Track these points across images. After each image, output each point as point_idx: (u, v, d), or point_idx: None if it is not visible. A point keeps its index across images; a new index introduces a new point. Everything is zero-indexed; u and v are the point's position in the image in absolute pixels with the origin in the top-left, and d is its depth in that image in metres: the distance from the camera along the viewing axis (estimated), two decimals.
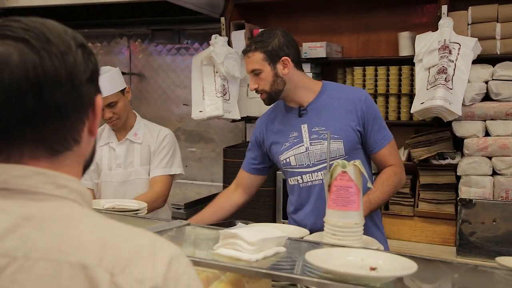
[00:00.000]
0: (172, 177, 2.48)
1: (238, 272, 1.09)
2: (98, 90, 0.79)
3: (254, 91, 1.99)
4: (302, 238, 1.47)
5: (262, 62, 1.93)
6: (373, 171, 2.16)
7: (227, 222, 2.21)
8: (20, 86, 0.69)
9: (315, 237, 1.49)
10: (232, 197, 2.16)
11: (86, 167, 0.82)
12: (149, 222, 1.58)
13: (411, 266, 1.03)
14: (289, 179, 2.04)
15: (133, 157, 2.46)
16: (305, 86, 2.01)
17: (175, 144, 2.52)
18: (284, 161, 2.00)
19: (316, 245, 1.32)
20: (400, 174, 1.98)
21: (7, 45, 0.70)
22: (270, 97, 1.98)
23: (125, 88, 2.42)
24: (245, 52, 1.99)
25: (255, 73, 1.95)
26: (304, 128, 1.97)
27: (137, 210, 1.76)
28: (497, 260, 1.28)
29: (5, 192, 0.71)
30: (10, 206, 0.70)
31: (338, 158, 1.90)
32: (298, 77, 1.99)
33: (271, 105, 2.11)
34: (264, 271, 1.06)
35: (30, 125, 0.70)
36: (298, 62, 2.00)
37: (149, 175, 2.44)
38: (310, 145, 1.95)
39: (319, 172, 1.94)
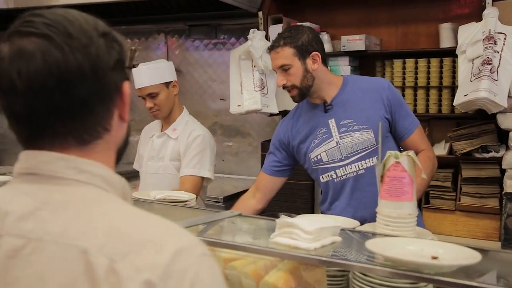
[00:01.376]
0: (202, 179, 2.41)
1: (298, 260, 1.10)
2: (125, 77, 0.78)
3: (282, 87, 1.97)
4: (354, 228, 1.47)
5: (292, 57, 1.92)
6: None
7: (270, 214, 2.23)
8: (45, 83, 0.70)
9: (367, 227, 1.48)
10: (250, 202, 2.14)
11: (120, 152, 0.83)
12: (200, 212, 1.60)
13: (474, 256, 1.02)
14: (321, 176, 2.02)
15: (165, 151, 2.48)
16: (330, 81, 2.01)
17: (206, 146, 2.45)
18: (315, 158, 2.00)
19: (370, 235, 1.31)
20: (433, 158, 2.00)
21: (31, 42, 0.70)
22: (301, 93, 1.97)
23: (171, 82, 2.44)
24: (272, 47, 1.97)
25: (284, 68, 1.93)
26: (332, 122, 1.97)
27: (187, 201, 1.78)
28: None
29: (32, 176, 0.74)
30: (34, 189, 0.73)
31: (370, 148, 1.92)
32: (325, 73, 2.00)
33: (292, 109, 2.11)
34: (324, 258, 1.07)
35: (58, 118, 0.72)
36: (324, 58, 2.00)
37: (178, 172, 2.43)
38: (340, 138, 1.95)
39: (352, 165, 1.94)
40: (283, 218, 1.22)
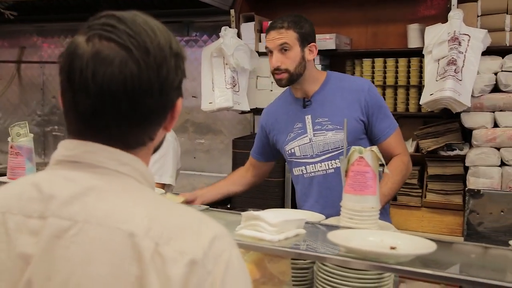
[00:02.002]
0: (163, 186, 2.34)
1: (262, 251, 1.12)
2: (180, 94, 0.83)
3: (273, 69, 1.96)
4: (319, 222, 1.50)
5: (294, 41, 1.93)
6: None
7: (240, 210, 2.25)
8: (116, 91, 0.75)
9: (331, 221, 1.52)
10: (246, 175, 2.24)
11: (152, 153, 0.89)
12: None
13: (430, 246, 1.06)
14: (293, 169, 2.07)
15: None
16: (315, 76, 2.03)
17: (168, 151, 2.36)
18: (289, 152, 2.04)
19: (334, 228, 1.35)
20: (407, 162, 2.00)
21: (111, 48, 0.75)
22: (290, 78, 1.96)
23: None
24: (274, 27, 1.96)
25: (284, 48, 1.93)
26: (308, 119, 2.00)
27: None
28: (511, 243, 1.31)
29: (76, 164, 0.78)
30: (78, 176, 0.77)
31: (341, 149, 1.91)
32: (312, 67, 2.03)
33: (277, 97, 2.13)
34: (288, 250, 1.09)
35: (117, 125, 0.77)
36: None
37: None
38: (314, 136, 1.98)
39: (322, 163, 1.97)
40: (248, 212, 1.24)
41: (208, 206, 1.50)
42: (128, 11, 0.81)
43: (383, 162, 1.40)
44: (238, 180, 2.23)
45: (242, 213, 1.26)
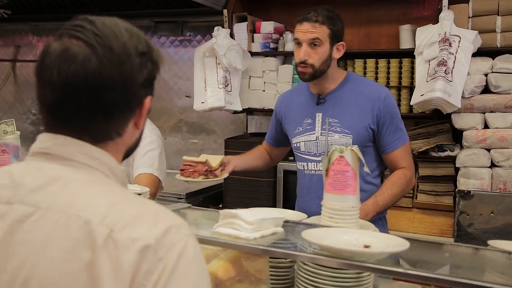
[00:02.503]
0: (158, 180, 2.29)
1: (237, 249, 1.13)
2: (149, 93, 0.88)
3: (299, 62, 1.92)
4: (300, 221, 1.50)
5: (326, 37, 1.90)
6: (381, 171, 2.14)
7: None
8: (78, 86, 0.80)
9: (312, 220, 1.52)
10: (265, 154, 2.29)
11: (128, 153, 0.93)
12: None
13: (403, 244, 1.06)
14: (297, 162, 2.08)
15: None
16: (334, 74, 2.00)
17: (157, 147, 2.33)
18: (295, 145, 2.05)
19: (313, 226, 1.35)
20: (410, 177, 1.97)
21: (78, 46, 0.80)
22: (314, 74, 1.93)
23: None
24: (308, 19, 1.91)
25: (315, 43, 1.89)
26: (319, 117, 1.98)
27: (139, 194, 1.79)
28: (489, 243, 1.31)
29: (48, 156, 0.83)
30: (47, 167, 0.82)
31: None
32: (335, 65, 2.01)
33: (295, 86, 2.09)
34: (261, 247, 1.10)
35: (79, 118, 0.82)
36: None
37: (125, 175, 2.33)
38: (320, 135, 1.96)
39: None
40: (226, 210, 1.24)
41: (190, 205, 1.51)
42: (105, 16, 0.86)
43: (363, 161, 1.41)
44: (262, 156, 2.27)
45: (220, 211, 1.27)
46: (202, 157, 2.01)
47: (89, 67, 0.79)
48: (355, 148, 1.42)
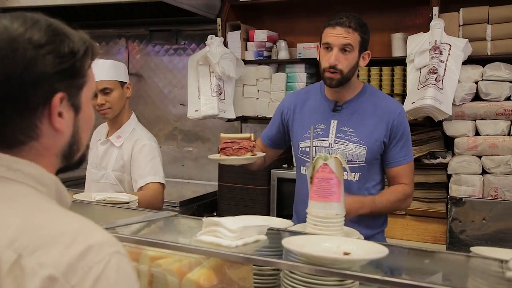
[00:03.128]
0: (162, 186, 2.31)
1: (219, 257, 1.13)
2: (60, 89, 0.79)
3: (328, 66, 1.89)
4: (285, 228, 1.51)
5: (356, 44, 1.89)
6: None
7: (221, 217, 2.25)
8: None
9: (298, 227, 1.53)
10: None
11: (68, 159, 0.86)
12: (138, 213, 1.62)
13: (382, 251, 1.07)
14: (301, 167, 2.02)
15: (108, 160, 2.38)
16: (354, 83, 1.99)
17: (156, 155, 2.36)
18: (303, 149, 2.00)
19: (296, 234, 1.36)
20: (408, 194, 1.98)
21: None
22: (341, 79, 1.91)
23: (126, 83, 2.40)
24: (341, 24, 1.88)
25: (346, 49, 1.88)
26: (334, 124, 1.96)
27: (128, 202, 1.80)
28: (472, 250, 1.32)
29: None
30: None
31: (356, 164, 1.91)
32: (356, 74, 2.00)
33: (304, 87, 2.05)
34: (242, 255, 1.10)
35: None
36: None
37: (120, 182, 2.35)
38: (334, 142, 1.94)
39: None
40: (209, 218, 1.25)
41: (177, 213, 1.51)
42: (18, 12, 0.81)
43: (347, 169, 1.42)
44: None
45: (203, 219, 1.28)
46: (244, 134, 1.94)
47: None
48: (339, 156, 1.43)
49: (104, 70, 2.34)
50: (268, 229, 1.32)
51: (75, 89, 0.83)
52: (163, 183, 2.32)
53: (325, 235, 1.37)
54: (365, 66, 3.01)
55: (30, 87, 0.76)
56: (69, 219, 0.74)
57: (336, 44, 1.88)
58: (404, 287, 0.95)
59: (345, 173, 1.46)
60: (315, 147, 1.96)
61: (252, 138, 1.93)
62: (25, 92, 0.76)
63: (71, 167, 0.89)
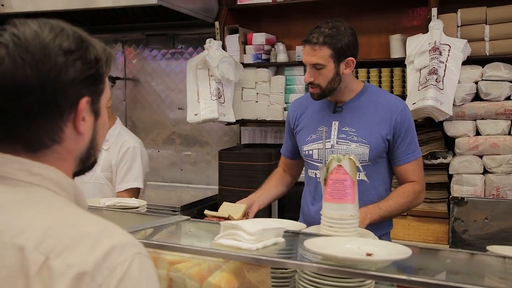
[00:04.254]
0: (138, 190, 2.46)
1: (239, 260, 1.13)
2: (87, 93, 0.82)
3: (306, 83, 1.94)
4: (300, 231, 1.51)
5: (327, 58, 1.86)
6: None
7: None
8: None
9: (312, 229, 1.52)
10: (285, 175, 2.21)
11: (84, 163, 0.88)
12: (149, 217, 1.61)
13: (405, 252, 1.07)
14: (309, 170, 2.03)
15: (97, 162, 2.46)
16: (350, 87, 1.98)
17: (136, 157, 2.47)
18: (307, 152, 2.01)
19: (313, 236, 1.35)
20: (419, 192, 1.96)
21: None
22: (322, 94, 1.92)
23: None
24: (309, 41, 1.87)
25: (317, 67, 1.87)
26: (335, 125, 1.96)
27: (137, 207, 1.79)
28: (488, 248, 1.33)
29: None
30: None
31: (362, 163, 1.88)
32: (350, 78, 1.98)
33: (308, 92, 2.07)
34: (265, 258, 1.10)
35: (2, 124, 0.77)
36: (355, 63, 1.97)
37: (110, 181, 2.46)
38: (336, 143, 1.93)
39: None
40: (227, 221, 1.24)
41: (189, 217, 1.50)
42: (41, 18, 0.82)
43: (361, 169, 1.42)
44: (282, 180, 2.20)
45: (221, 222, 1.27)
46: (224, 210, 1.89)
47: (2, 68, 0.75)
48: (353, 157, 1.43)
49: None
50: (284, 231, 1.32)
51: (97, 95, 0.85)
52: (140, 188, 2.48)
53: (340, 236, 1.37)
54: (364, 68, 3.09)
55: (61, 92, 0.78)
56: (92, 221, 0.76)
57: (307, 62, 1.90)
58: (430, 287, 0.95)
59: (358, 173, 1.46)
60: (317, 149, 1.97)
61: (232, 216, 1.84)
62: (56, 97, 0.78)
63: (85, 170, 0.92)
